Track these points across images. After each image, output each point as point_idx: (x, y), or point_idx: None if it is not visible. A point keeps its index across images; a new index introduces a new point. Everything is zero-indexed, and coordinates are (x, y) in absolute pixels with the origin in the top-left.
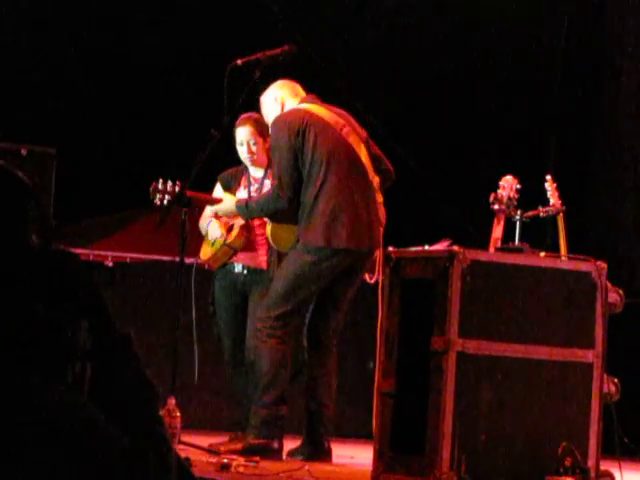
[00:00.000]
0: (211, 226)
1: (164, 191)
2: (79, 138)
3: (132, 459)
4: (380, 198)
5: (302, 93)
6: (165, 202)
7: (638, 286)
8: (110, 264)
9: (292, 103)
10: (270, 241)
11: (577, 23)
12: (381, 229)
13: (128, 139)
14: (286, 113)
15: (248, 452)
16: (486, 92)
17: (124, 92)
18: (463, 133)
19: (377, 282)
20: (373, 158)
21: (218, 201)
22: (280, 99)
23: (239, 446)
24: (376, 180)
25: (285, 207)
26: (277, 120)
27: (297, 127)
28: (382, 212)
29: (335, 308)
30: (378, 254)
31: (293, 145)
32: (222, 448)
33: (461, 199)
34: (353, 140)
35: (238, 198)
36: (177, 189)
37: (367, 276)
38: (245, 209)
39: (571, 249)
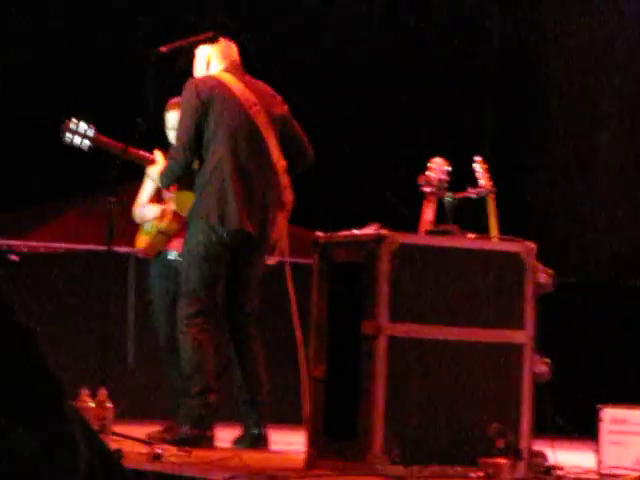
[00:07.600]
0: (148, 208)
1: (74, 131)
2: (12, 128)
3: (37, 460)
4: (285, 181)
5: (234, 56)
6: (73, 142)
7: (570, 266)
8: (15, 258)
9: (216, 65)
10: (174, 204)
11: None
12: (284, 213)
13: (55, 128)
14: (199, 79)
15: (179, 443)
16: (419, 72)
17: (50, 79)
18: (392, 115)
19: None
20: (290, 138)
21: (152, 161)
22: (207, 57)
23: (169, 436)
24: (281, 164)
25: (179, 171)
26: (189, 84)
27: (205, 97)
28: (287, 196)
29: (244, 292)
30: (284, 237)
31: (197, 114)
32: (152, 437)
33: (390, 182)
34: (261, 120)
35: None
36: (90, 132)
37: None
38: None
39: (505, 231)
